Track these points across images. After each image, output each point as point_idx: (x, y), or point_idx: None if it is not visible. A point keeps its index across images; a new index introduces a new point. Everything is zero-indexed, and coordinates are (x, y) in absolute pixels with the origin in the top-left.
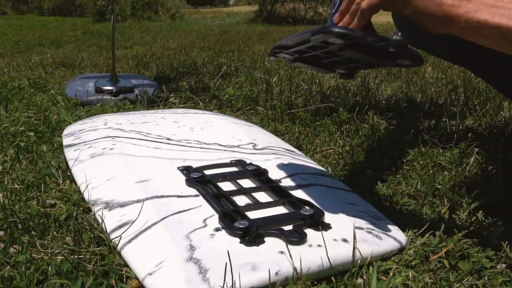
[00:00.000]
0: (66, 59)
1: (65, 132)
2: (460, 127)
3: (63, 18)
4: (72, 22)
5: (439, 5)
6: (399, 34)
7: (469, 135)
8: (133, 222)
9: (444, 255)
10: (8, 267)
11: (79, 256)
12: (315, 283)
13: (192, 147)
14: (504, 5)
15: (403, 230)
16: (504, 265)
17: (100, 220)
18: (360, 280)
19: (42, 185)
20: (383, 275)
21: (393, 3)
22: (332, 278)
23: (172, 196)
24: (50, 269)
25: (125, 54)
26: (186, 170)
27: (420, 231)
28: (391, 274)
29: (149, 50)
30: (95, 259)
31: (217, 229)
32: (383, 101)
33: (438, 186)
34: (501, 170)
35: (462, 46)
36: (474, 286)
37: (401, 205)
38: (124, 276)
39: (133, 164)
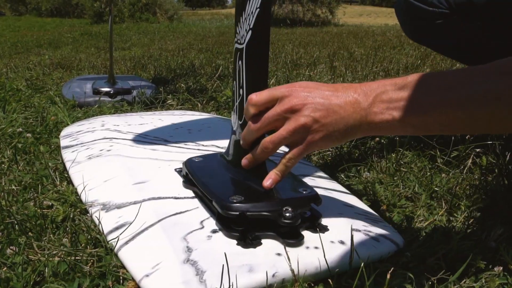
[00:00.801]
0: (64, 60)
1: (63, 133)
2: None
3: (61, 20)
4: (70, 23)
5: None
6: (290, 209)
7: (467, 137)
8: (130, 223)
9: (441, 257)
10: (5, 268)
11: (76, 258)
12: (312, 285)
13: (189, 149)
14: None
15: (401, 232)
16: (501, 268)
17: (97, 222)
18: (357, 282)
19: (39, 186)
20: (380, 277)
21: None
22: (329, 280)
23: (169, 197)
24: (47, 270)
25: (123, 55)
26: None
27: (418, 233)
28: (388, 276)
29: (147, 52)
30: (92, 260)
31: (214, 231)
32: None
33: (436, 189)
34: (499, 172)
35: (464, 43)
36: None
37: (399, 207)
38: (121, 277)
39: (131, 165)
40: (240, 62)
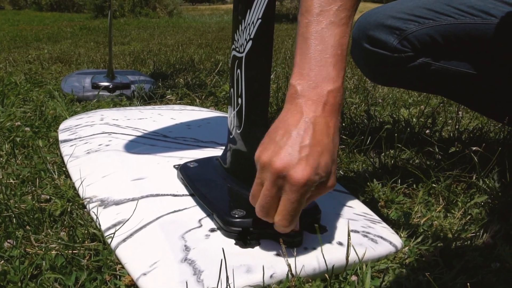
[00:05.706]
0: (63, 54)
1: (61, 126)
2: (457, 126)
3: (61, 14)
4: (70, 18)
5: None
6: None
7: (465, 134)
8: (128, 220)
9: (438, 253)
10: (2, 261)
11: (73, 251)
12: (310, 280)
13: (188, 144)
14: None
15: (398, 228)
16: (498, 264)
17: (94, 218)
18: (354, 278)
19: (37, 180)
20: (377, 273)
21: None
22: (326, 276)
23: (167, 195)
24: (44, 263)
25: (122, 50)
26: None
27: (415, 229)
28: (385, 272)
29: (146, 47)
30: (89, 254)
31: (212, 230)
32: (380, 100)
33: (434, 185)
34: (496, 169)
35: (431, 79)
36: (468, 285)
37: (397, 203)
38: (118, 272)
39: (129, 161)
40: (238, 71)
